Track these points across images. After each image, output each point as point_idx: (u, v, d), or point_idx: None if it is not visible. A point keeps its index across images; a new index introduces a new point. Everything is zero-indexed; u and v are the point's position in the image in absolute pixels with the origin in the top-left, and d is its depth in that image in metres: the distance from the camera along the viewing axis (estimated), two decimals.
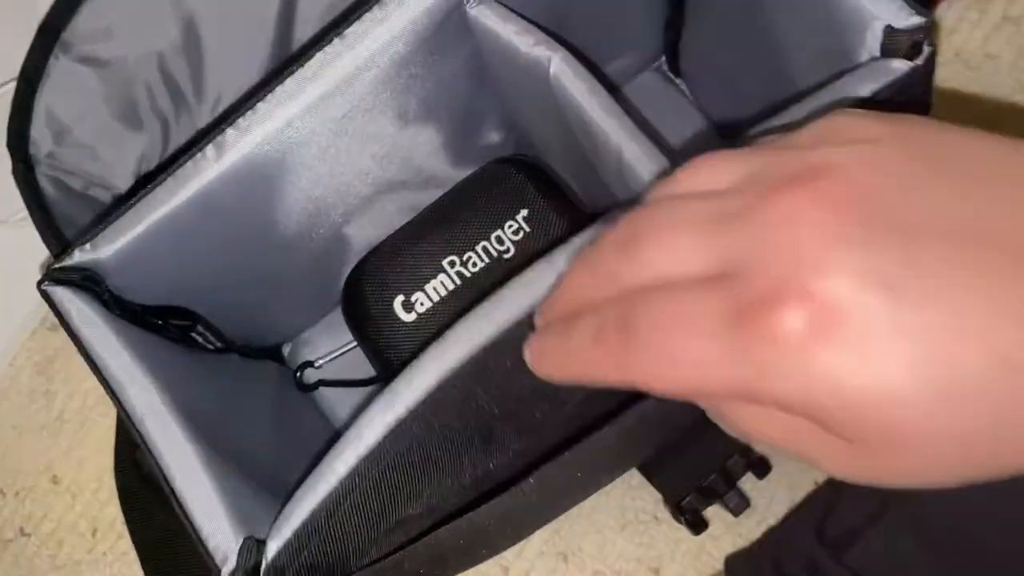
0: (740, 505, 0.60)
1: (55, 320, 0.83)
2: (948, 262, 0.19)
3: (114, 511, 0.78)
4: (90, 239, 0.48)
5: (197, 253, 0.52)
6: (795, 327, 0.20)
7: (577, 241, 0.39)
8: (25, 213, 0.74)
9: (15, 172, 0.60)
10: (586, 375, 0.24)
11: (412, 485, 0.42)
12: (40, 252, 0.59)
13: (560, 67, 0.49)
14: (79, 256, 0.48)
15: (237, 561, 0.40)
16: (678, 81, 0.75)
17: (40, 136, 0.61)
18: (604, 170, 0.51)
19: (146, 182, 0.50)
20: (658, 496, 0.68)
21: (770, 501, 0.67)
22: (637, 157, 0.46)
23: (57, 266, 0.48)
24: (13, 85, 0.59)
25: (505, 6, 0.51)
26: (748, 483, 0.67)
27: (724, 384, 0.21)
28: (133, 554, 0.76)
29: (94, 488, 0.80)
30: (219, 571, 0.40)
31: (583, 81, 0.49)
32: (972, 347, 0.19)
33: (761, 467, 0.62)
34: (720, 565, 0.66)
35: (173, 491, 0.42)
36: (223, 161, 0.48)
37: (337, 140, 0.54)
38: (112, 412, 0.80)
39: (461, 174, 0.68)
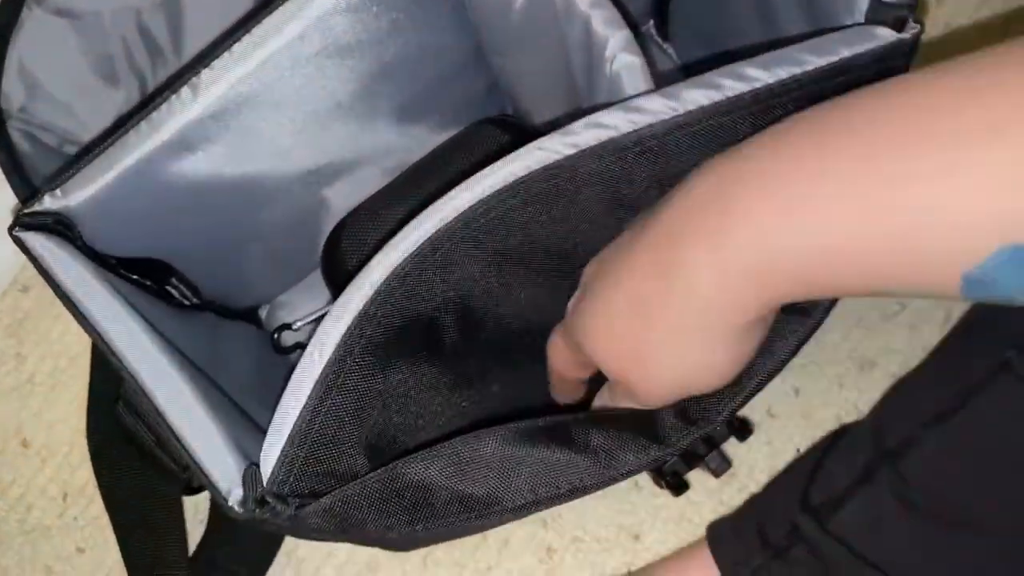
0: (722, 466, 0.59)
1: (26, 282, 0.81)
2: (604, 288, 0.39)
3: (85, 475, 0.76)
4: (60, 184, 0.46)
5: (172, 202, 0.50)
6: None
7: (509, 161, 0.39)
8: None
9: None
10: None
11: (376, 383, 0.41)
12: (6, 214, 0.57)
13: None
14: (49, 202, 0.46)
15: (244, 490, 0.39)
16: (666, 46, 0.74)
17: (12, 89, 0.60)
18: (580, 71, 0.50)
19: (119, 127, 0.48)
20: None
21: (751, 469, 0.68)
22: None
23: (27, 211, 0.46)
24: None
25: None
26: (730, 449, 0.67)
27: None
28: (105, 519, 0.74)
29: (65, 452, 0.78)
30: (226, 502, 0.39)
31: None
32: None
33: (742, 431, 0.62)
34: (701, 531, 0.66)
35: (171, 428, 0.40)
36: (199, 103, 0.46)
37: (313, 83, 0.52)
38: (84, 375, 0.78)
39: (443, 137, 0.67)
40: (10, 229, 0.45)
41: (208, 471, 0.39)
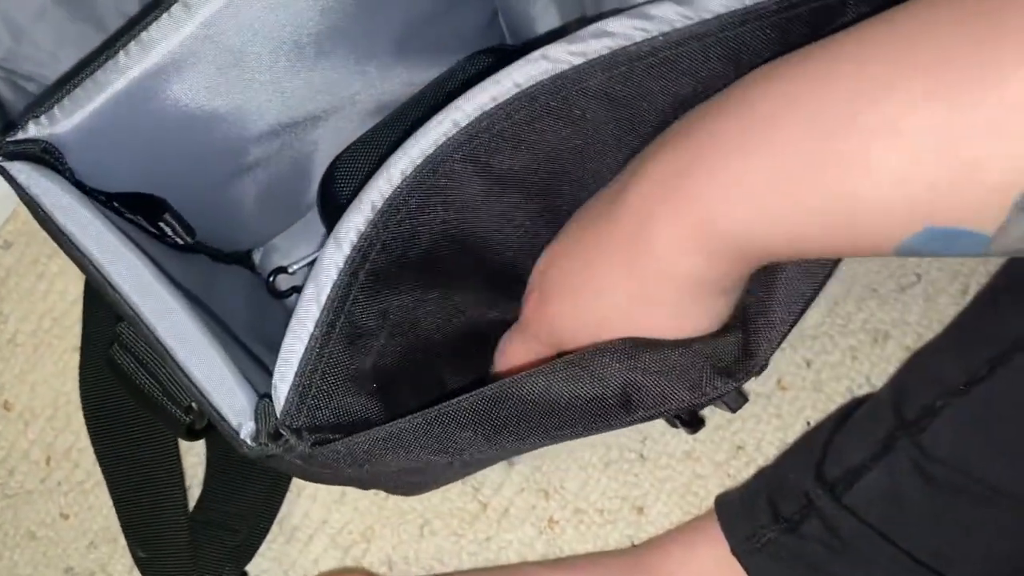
0: (738, 401, 0.57)
1: (7, 238, 0.79)
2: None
3: (70, 439, 0.74)
4: (46, 111, 0.44)
5: (163, 131, 0.48)
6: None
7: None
8: None
9: None
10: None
11: (381, 308, 0.39)
12: None
13: None
14: (34, 129, 0.43)
15: (256, 424, 0.37)
16: None
17: None
18: None
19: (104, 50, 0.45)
20: (645, 433, 0.66)
21: (759, 442, 0.65)
22: None
23: (10, 139, 0.43)
24: None
25: None
26: (737, 421, 0.65)
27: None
28: (90, 484, 0.72)
29: (48, 415, 0.75)
30: (237, 437, 0.36)
31: None
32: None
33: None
34: (707, 505, 0.64)
35: (176, 363, 0.38)
36: (193, 20, 0.43)
37: (308, 11, 0.49)
38: (69, 335, 0.76)
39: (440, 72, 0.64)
40: None
41: (218, 406, 0.37)
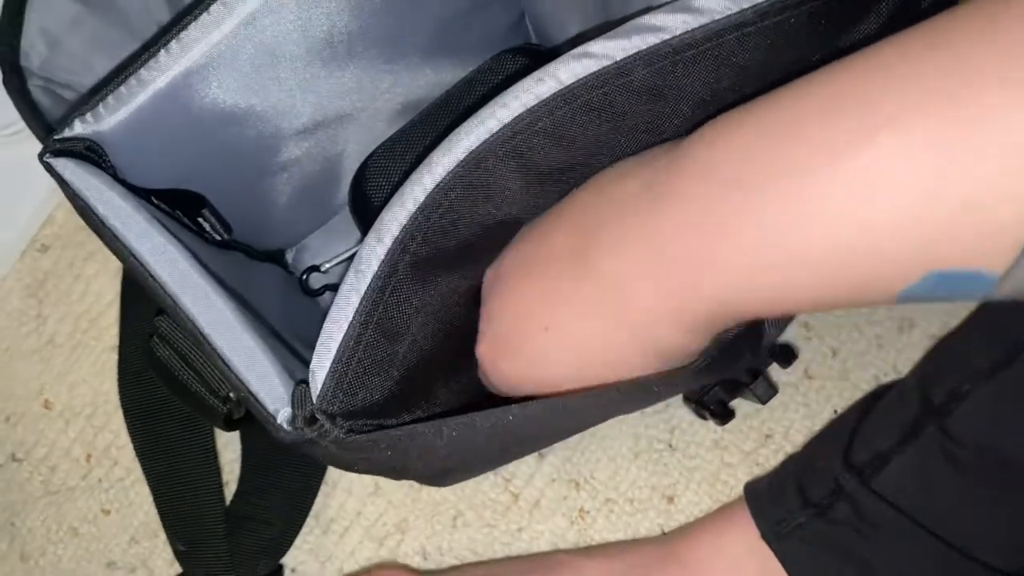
0: (768, 392, 0.58)
1: (45, 241, 0.81)
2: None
3: (110, 437, 0.76)
4: (90, 109, 0.45)
5: (202, 128, 0.49)
6: None
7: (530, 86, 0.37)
8: (12, 129, 0.70)
9: (7, 83, 0.57)
10: None
11: (418, 298, 0.40)
12: (28, 172, 0.56)
13: None
14: (80, 127, 0.45)
15: (292, 409, 0.38)
16: None
17: (31, 47, 0.59)
18: None
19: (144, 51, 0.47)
20: (673, 423, 0.67)
21: (787, 430, 0.66)
22: None
23: (57, 137, 0.45)
24: None
25: None
26: (764, 411, 0.66)
27: None
28: (130, 480, 0.74)
29: (88, 413, 0.77)
30: (274, 421, 0.38)
31: None
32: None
33: (786, 355, 0.60)
34: (736, 493, 0.64)
35: (215, 350, 0.39)
36: (233, 18, 0.45)
37: (341, 11, 0.51)
38: (107, 335, 0.77)
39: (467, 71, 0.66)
40: (40, 156, 0.44)
41: (256, 392, 0.38)
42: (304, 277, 0.69)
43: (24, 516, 0.74)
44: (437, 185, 0.38)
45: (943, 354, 0.58)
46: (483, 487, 0.67)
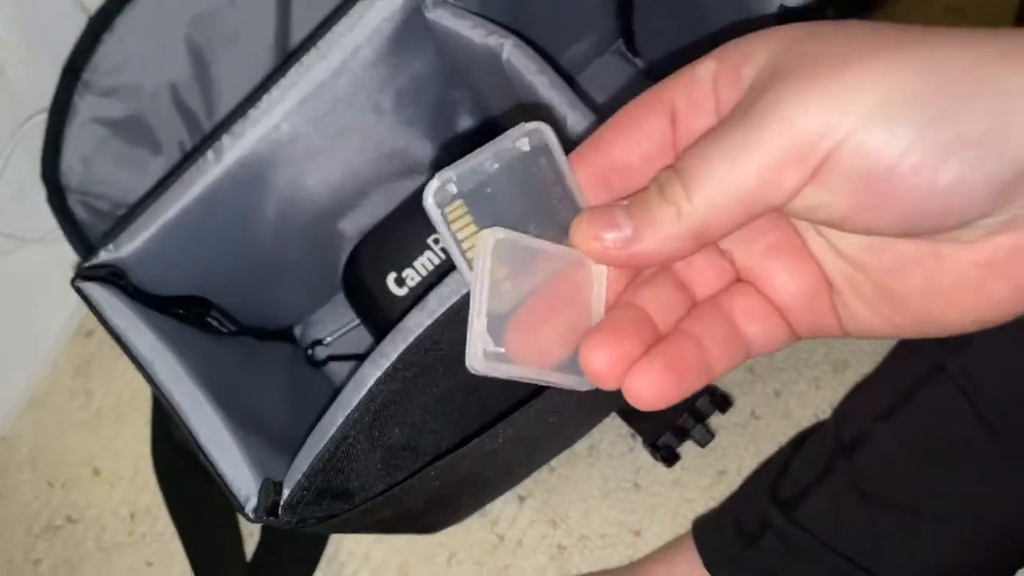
0: (706, 438, 0.67)
1: (90, 327, 0.92)
2: None
3: (149, 497, 0.86)
4: (112, 240, 0.56)
5: (207, 247, 0.59)
6: None
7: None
8: (59, 232, 0.81)
9: (49, 200, 0.67)
10: None
11: (399, 425, 0.49)
12: (71, 268, 0.66)
13: (512, 52, 0.56)
14: (104, 255, 0.55)
15: (258, 500, 0.47)
16: (636, 60, 0.82)
17: (70, 165, 0.69)
18: None
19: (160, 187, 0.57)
20: (638, 465, 0.75)
21: (740, 467, 0.74)
22: (579, 123, 0.53)
23: (86, 265, 0.55)
24: (46, 114, 0.66)
25: (459, 6, 0.58)
26: (718, 450, 0.74)
27: None
28: (169, 534, 0.84)
29: (131, 476, 0.87)
30: (243, 509, 0.47)
31: (533, 62, 0.55)
32: None
33: (723, 403, 0.69)
34: None
35: (200, 446, 0.49)
36: (222, 163, 0.55)
37: (322, 137, 0.61)
38: (145, 407, 0.88)
39: (446, 157, 0.75)
40: (72, 281, 0.54)
41: (229, 482, 0.48)
42: (309, 351, 0.78)
43: (81, 571, 0.85)
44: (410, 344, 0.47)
45: (855, 396, 0.66)
46: (472, 529, 0.76)
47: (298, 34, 0.72)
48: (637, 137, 0.26)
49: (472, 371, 0.25)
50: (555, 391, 0.51)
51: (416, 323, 0.47)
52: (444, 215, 0.25)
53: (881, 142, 0.21)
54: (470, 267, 0.25)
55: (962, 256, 0.23)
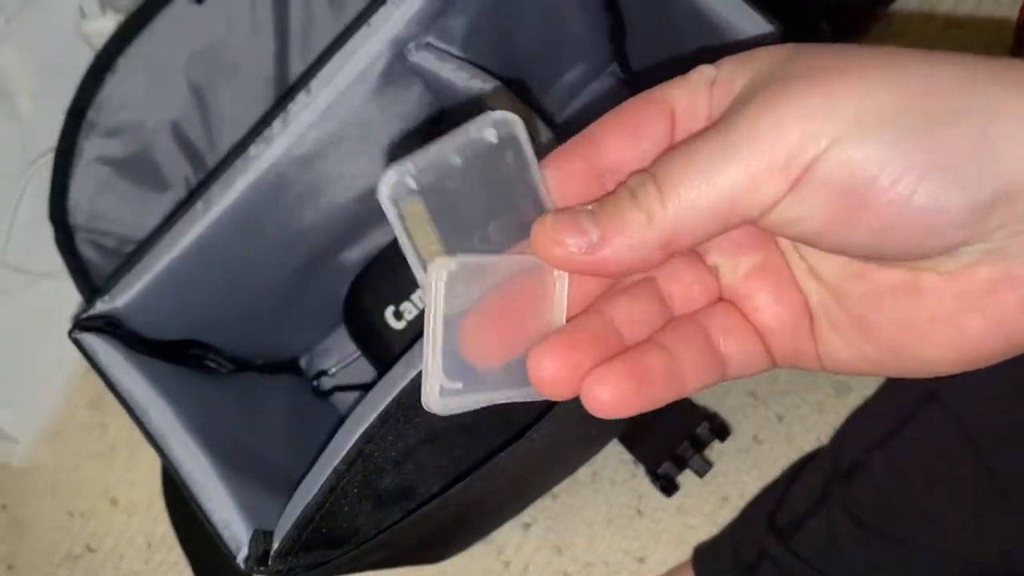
0: (703, 467, 0.67)
1: None
2: None
3: (164, 526, 0.87)
4: (107, 291, 0.57)
5: (204, 292, 0.60)
6: None
7: None
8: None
9: (56, 240, 0.69)
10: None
11: (389, 472, 0.49)
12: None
13: (493, 95, 0.56)
14: (100, 306, 0.57)
15: (248, 550, 0.48)
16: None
17: (77, 204, 0.70)
18: None
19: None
20: (640, 492, 0.75)
21: (742, 493, 0.74)
22: None
23: (83, 316, 0.56)
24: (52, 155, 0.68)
25: (442, 49, 0.59)
26: (721, 476, 0.74)
27: None
28: (182, 564, 0.86)
29: (146, 506, 0.89)
30: (235, 559, 0.48)
31: (515, 107, 0.56)
32: None
33: (722, 432, 0.69)
34: None
35: (193, 496, 0.50)
36: (211, 213, 0.56)
37: (312, 182, 0.61)
38: None
39: None
40: (69, 333, 0.56)
41: (221, 532, 0.49)
42: (315, 382, 0.79)
43: None
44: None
45: (851, 424, 0.66)
46: (477, 556, 0.76)
47: (296, 66, 0.73)
48: (637, 136, 0.25)
49: (429, 410, 0.23)
50: (546, 427, 0.51)
51: (401, 374, 0.48)
52: (400, 213, 0.23)
53: (861, 155, 0.21)
54: (424, 269, 0.24)
55: (940, 288, 0.23)
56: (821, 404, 0.74)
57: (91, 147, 0.70)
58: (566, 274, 0.25)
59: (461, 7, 0.59)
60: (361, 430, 0.48)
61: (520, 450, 0.50)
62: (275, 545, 0.48)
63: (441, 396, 0.23)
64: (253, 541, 0.48)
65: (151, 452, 0.90)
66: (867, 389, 0.74)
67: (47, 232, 0.70)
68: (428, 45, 0.58)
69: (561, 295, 0.25)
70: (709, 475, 0.74)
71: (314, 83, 0.57)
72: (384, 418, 0.48)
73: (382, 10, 0.56)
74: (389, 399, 0.48)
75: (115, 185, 0.73)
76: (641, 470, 0.74)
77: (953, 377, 0.54)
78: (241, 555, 0.48)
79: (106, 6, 0.86)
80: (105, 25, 0.84)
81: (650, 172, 0.24)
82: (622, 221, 0.23)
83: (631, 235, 0.23)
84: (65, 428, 0.92)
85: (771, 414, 0.75)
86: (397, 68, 0.59)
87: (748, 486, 0.73)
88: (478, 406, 0.24)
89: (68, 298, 0.91)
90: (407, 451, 0.50)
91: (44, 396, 0.92)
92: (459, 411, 0.24)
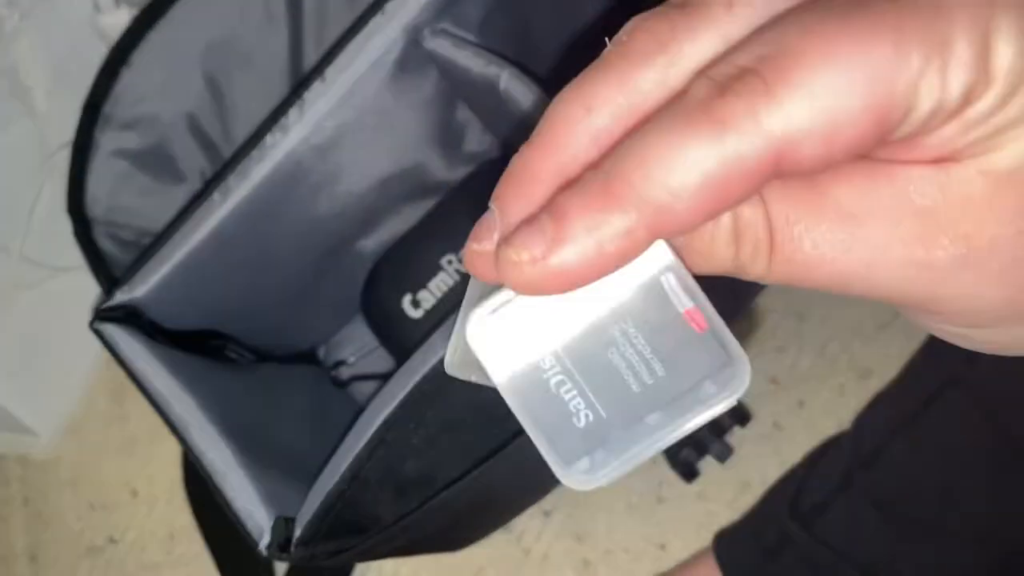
0: (724, 453, 0.67)
1: None
2: None
3: (186, 518, 0.88)
4: (126, 281, 0.57)
5: (222, 282, 0.60)
6: None
7: None
8: None
9: (75, 233, 0.69)
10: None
11: (409, 458, 0.49)
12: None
13: (509, 82, 0.56)
14: (120, 297, 0.57)
15: (271, 537, 0.48)
16: None
17: (95, 198, 0.70)
18: None
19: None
20: (660, 478, 0.75)
21: (763, 478, 0.73)
22: None
23: (103, 307, 0.56)
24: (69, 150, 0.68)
25: (457, 35, 0.58)
26: (742, 462, 0.73)
27: None
28: (205, 554, 0.86)
29: (167, 498, 0.89)
30: (257, 546, 0.48)
31: (531, 91, 0.56)
32: None
33: (742, 418, 0.68)
34: None
35: (215, 484, 0.50)
36: (228, 202, 0.56)
37: (331, 166, 0.61)
38: None
39: (457, 178, 0.76)
40: (90, 323, 0.56)
41: (244, 520, 0.49)
42: (333, 372, 0.79)
43: None
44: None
45: (872, 408, 0.65)
46: (498, 544, 0.76)
47: (310, 55, 0.73)
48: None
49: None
50: None
51: (421, 362, 0.48)
52: None
53: None
54: None
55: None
56: (842, 388, 0.74)
57: (107, 141, 0.70)
58: None
59: None
60: (381, 418, 0.48)
61: None
62: (297, 532, 0.48)
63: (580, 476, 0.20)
64: (275, 528, 0.48)
65: (171, 443, 0.91)
66: (889, 372, 0.73)
67: (66, 226, 0.70)
68: (443, 31, 0.58)
69: None
70: (730, 461, 0.73)
71: (329, 71, 0.57)
72: (404, 406, 0.48)
73: None
74: (408, 387, 0.48)
75: (132, 178, 0.73)
76: (661, 456, 0.74)
77: (973, 360, 0.54)
78: (263, 542, 0.48)
79: (120, 0, 0.87)
80: (119, 19, 0.84)
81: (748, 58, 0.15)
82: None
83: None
84: (86, 421, 0.93)
85: (792, 400, 0.74)
86: (412, 55, 0.59)
87: (769, 472, 0.73)
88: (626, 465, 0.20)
89: (88, 292, 0.92)
90: (427, 438, 0.50)
91: (65, 390, 0.93)
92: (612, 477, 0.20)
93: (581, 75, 0.17)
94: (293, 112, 0.57)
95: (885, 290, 0.17)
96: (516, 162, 0.17)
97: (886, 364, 0.73)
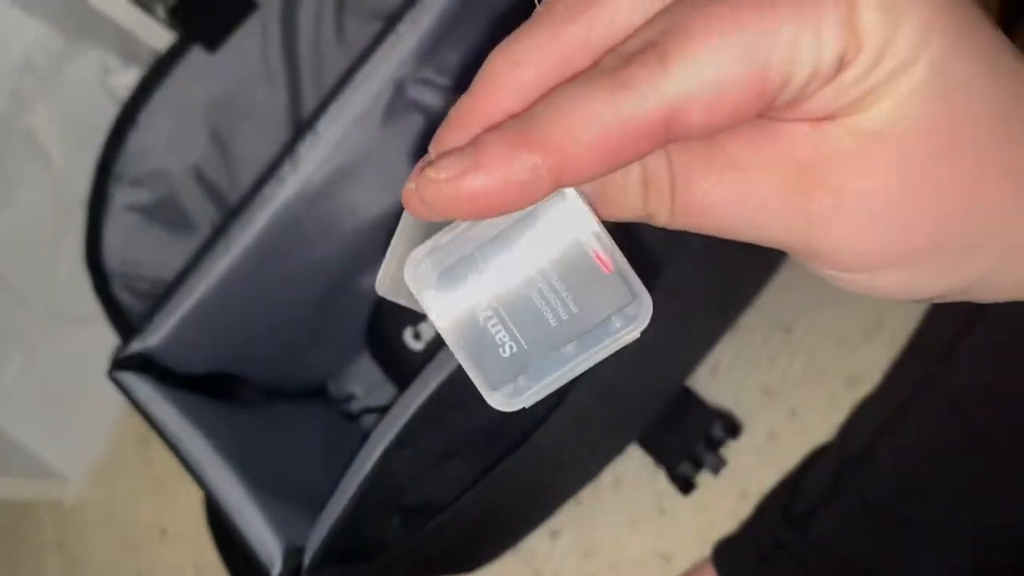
0: (717, 465, 0.69)
1: None
2: None
3: (210, 553, 0.90)
4: (141, 331, 0.61)
5: (230, 328, 0.64)
6: None
7: None
8: None
9: (94, 287, 0.73)
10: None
11: (412, 485, 0.53)
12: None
13: None
14: (135, 346, 0.61)
15: (282, 566, 0.52)
16: None
17: (110, 252, 0.74)
18: None
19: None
20: (660, 491, 0.77)
21: (761, 486, 0.75)
22: None
23: (119, 356, 0.60)
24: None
25: (437, 84, 0.62)
26: (739, 472, 0.75)
27: None
28: None
29: (193, 535, 0.93)
30: (268, 574, 0.52)
31: None
32: None
33: (733, 430, 0.71)
34: None
35: (229, 519, 0.53)
36: (231, 252, 0.60)
37: (324, 215, 0.65)
38: None
39: None
40: (108, 373, 0.60)
41: (255, 550, 0.52)
42: (344, 406, 0.83)
43: None
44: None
45: (857, 413, 0.68)
46: (508, 565, 0.79)
47: (308, 103, 0.77)
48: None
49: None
50: (554, 426, 0.54)
51: (416, 393, 0.51)
52: None
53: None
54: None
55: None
56: (833, 395, 0.76)
57: (121, 196, 0.74)
58: None
59: (455, 42, 0.62)
60: (380, 449, 0.51)
61: (530, 453, 0.53)
62: (306, 560, 0.51)
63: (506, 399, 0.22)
64: (286, 557, 0.51)
65: (194, 484, 0.95)
66: (877, 378, 0.75)
67: (87, 279, 0.74)
68: (424, 81, 0.62)
69: None
70: (728, 471, 0.76)
71: (320, 124, 0.61)
72: (401, 437, 0.52)
73: (380, 49, 0.60)
74: (404, 420, 0.51)
75: (145, 230, 0.77)
76: (661, 471, 0.77)
77: (945, 360, 0.56)
78: (275, 570, 0.51)
79: (129, 61, 0.91)
80: (129, 79, 0.89)
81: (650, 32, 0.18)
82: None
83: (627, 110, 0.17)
84: (113, 465, 0.97)
85: (784, 408, 0.77)
86: (398, 104, 0.63)
87: (767, 480, 0.75)
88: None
89: (111, 341, 0.96)
90: (427, 467, 0.53)
91: (92, 435, 0.97)
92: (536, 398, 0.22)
93: (513, 33, 0.19)
94: (287, 164, 0.61)
95: (771, 238, 0.20)
96: (452, 111, 0.20)
97: (875, 371, 0.75)
